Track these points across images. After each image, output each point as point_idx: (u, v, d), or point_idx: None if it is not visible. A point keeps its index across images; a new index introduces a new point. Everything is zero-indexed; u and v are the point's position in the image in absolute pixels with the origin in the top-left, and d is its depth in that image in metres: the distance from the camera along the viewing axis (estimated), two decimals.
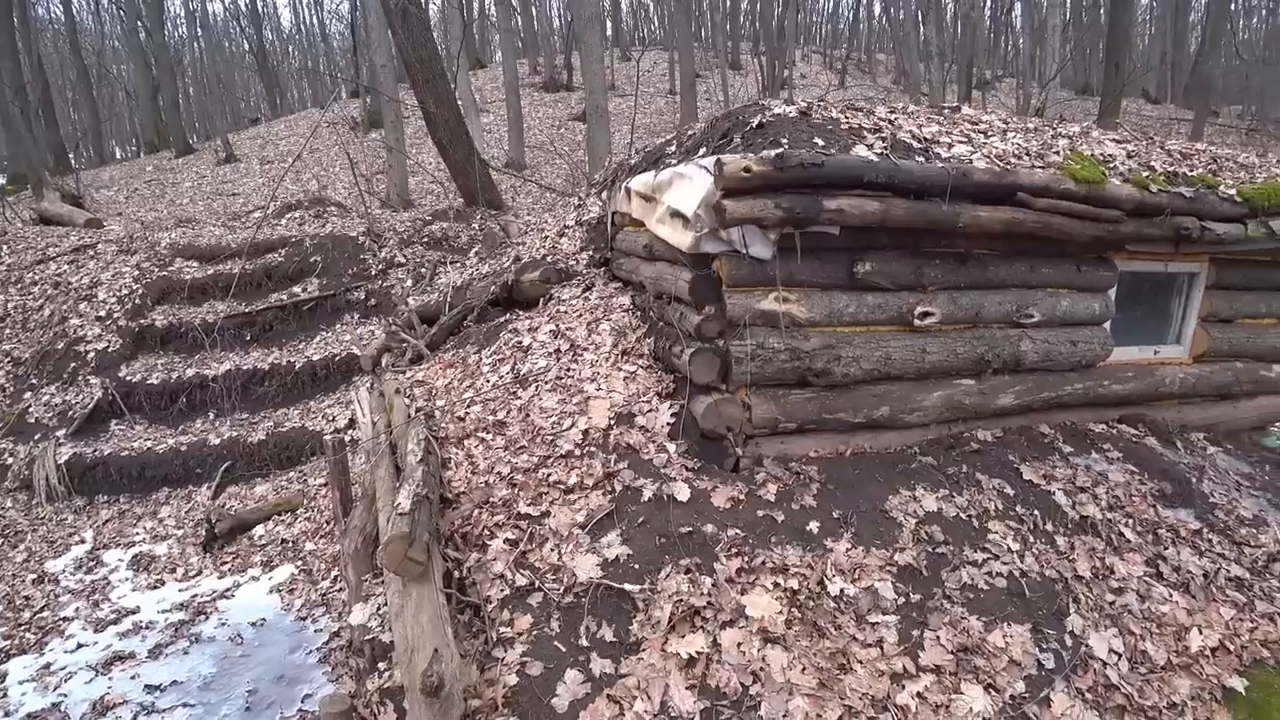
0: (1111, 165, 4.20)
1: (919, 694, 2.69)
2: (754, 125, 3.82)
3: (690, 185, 3.66)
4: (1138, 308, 4.90)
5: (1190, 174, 4.42)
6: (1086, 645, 2.99)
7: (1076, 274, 4.31)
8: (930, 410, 3.99)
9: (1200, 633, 3.15)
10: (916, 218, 3.44)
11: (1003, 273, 4.03)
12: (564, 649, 2.98)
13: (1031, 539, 3.38)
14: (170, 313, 8.78)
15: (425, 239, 9.71)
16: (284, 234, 9.85)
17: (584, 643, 2.99)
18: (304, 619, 4.70)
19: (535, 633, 3.06)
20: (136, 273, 9.24)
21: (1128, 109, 21.26)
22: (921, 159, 3.55)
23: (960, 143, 3.93)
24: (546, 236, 7.07)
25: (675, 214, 3.83)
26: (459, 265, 8.95)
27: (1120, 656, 3.00)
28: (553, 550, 3.39)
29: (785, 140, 3.53)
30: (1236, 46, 24.88)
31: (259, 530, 6.15)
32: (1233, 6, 25.50)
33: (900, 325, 3.85)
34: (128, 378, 7.97)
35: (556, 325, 5.30)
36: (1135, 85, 24.47)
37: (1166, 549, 3.52)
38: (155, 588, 5.34)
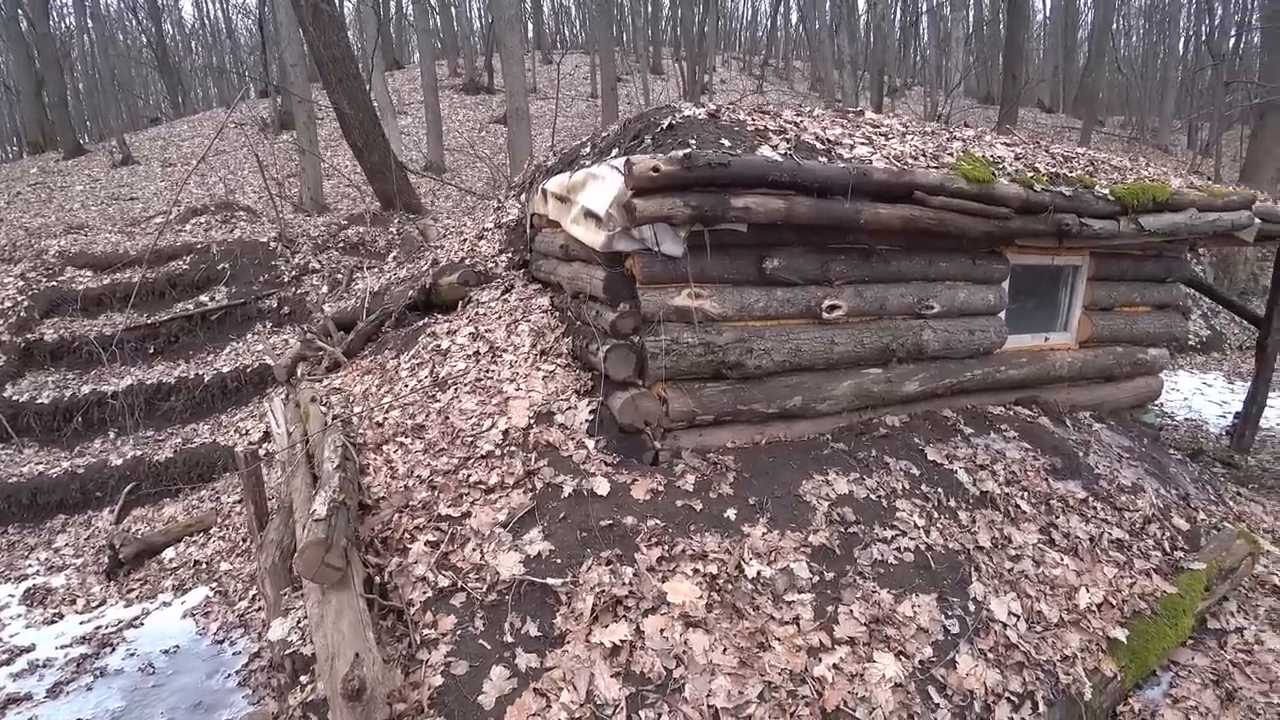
0: (1000, 166, 4.48)
1: (835, 665, 2.82)
2: (665, 127, 3.92)
3: (602, 185, 3.72)
4: (1029, 299, 5.25)
5: (1070, 175, 4.76)
6: (988, 610, 3.19)
7: (972, 267, 4.58)
8: (841, 399, 4.17)
9: (1088, 591, 3.40)
10: (820, 215, 3.59)
11: (904, 267, 4.25)
12: (489, 646, 2.99)
13: (936, 515, 3.58)
14: (62, 325, 8.28)
15: (341, 244, 9.47)
16: (189, 240, 9.43)
17: (509, 639, 3.00)
18: (221, 642, 4.53)
19: (459, 632, 3.05)
20: (21, 283, 8.68)
21: (1024, 117, 22.57)
22: (824, 159, 3.72)
23: (862, 144, 4.13)
24: (465, 239, 7.01)
25: (589, 214, 3.88)
26: (376, 270, 8.76)
27: (1019, 618, 3.22)
28: (475, 550, 3.38)
29: (693, 141, 3.63)
30: (1119, 63, 26.73)
31: (169, 553, 5.87)
32: (1114, 26, 27.34)
33: (809, 318, 4.01)
34: (14, 397, 7.48)
35: (475, 328, 5.27)
36: (1031, 95, 26.10)
37: (1058, 518, 3.79)
38: (52, 622, 5.02)
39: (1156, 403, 6.59)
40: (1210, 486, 4.98)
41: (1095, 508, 3.93)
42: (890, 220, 3.79)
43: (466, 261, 6.38)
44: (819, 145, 3.87)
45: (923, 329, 4.36)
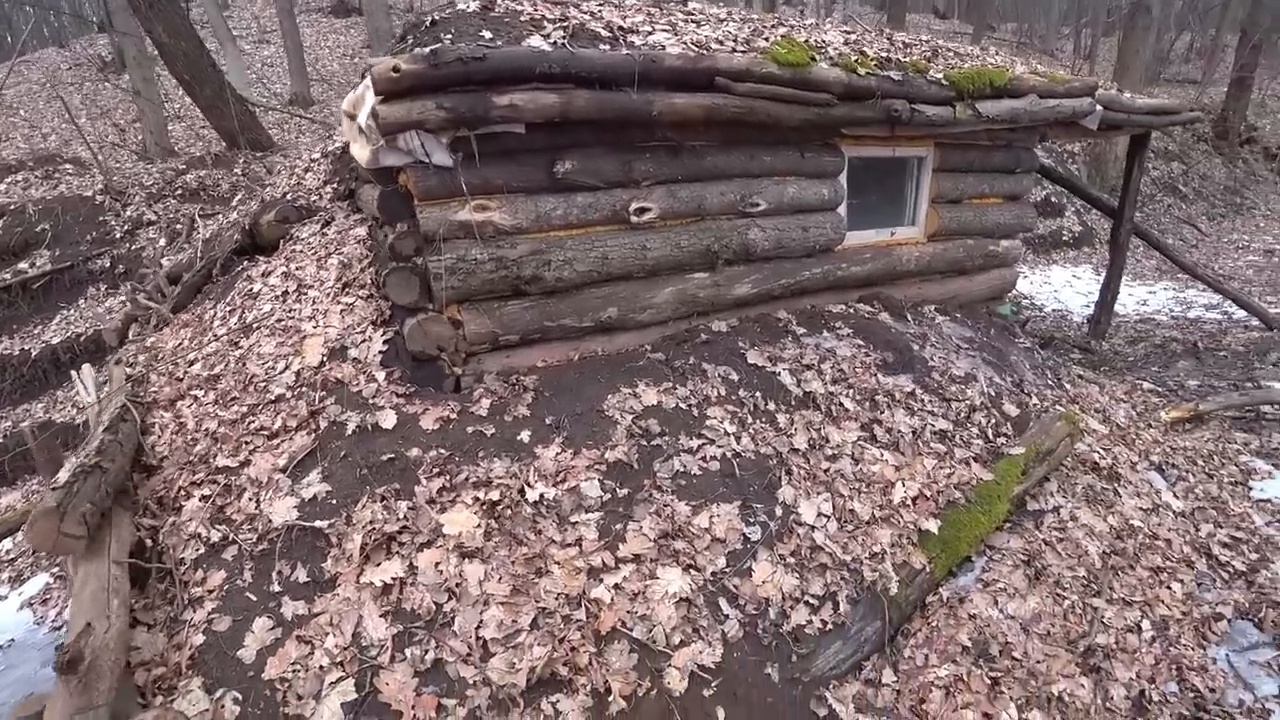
0: (823, 51, 4.20)
1: (616, 585, 2.64)
2: (427, 24, 3.47)
3: (367, 96, 3.30)
4: (872, 193, 5.07)
5: (903, 60, 4.52)
6: (796, 513, 3.07)
7: (801, 161, 4.35)
8: (663, 307, 3.93)
9: (904, 485, 3.31)
10: (605, 109, 3.27)
11: (721, 163, 3.98)
12: (255, 598, 2.74)
13: (751, 420, 3.41)
14: None
15: (179, 191, 8.66)
16: (1, 201, 8.48)
17: (276, 588, 2.75)
18: (59, 628, 4.17)
19: (227, 587, 2.80)
20: None
21: (918, 22, 22.48)
22: (606, 47, 3.36)
23: (663, 31, 3.78)
24: (294, 173, 6.43)
25: (361, 130, 3.47)
26: (219, 217, 8.06)
27: (829, 518, 3.10)
28: (251, 500, 3.08)
29: (450, 36, 3.22)
30: None
31: (6, 544, 5.35)
32: None
33: (618, 224, 3.72)
34: None
35: (289, 266, 4.82)
36: (927, 1, 26.12)
37: (882, 413, 3.68)
38: None
39: (1012, 293, 6.62)
40: (1051, 372, 5.00)
41: (923, 400, 3.84)
42: (690, 111, 3.49)
43: (287, 197, 5.84)
44: (604, 33, 3.50)
45: (749, 228, 4.13)
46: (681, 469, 3.09)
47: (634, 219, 3.69)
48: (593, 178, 3.57)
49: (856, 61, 4.14)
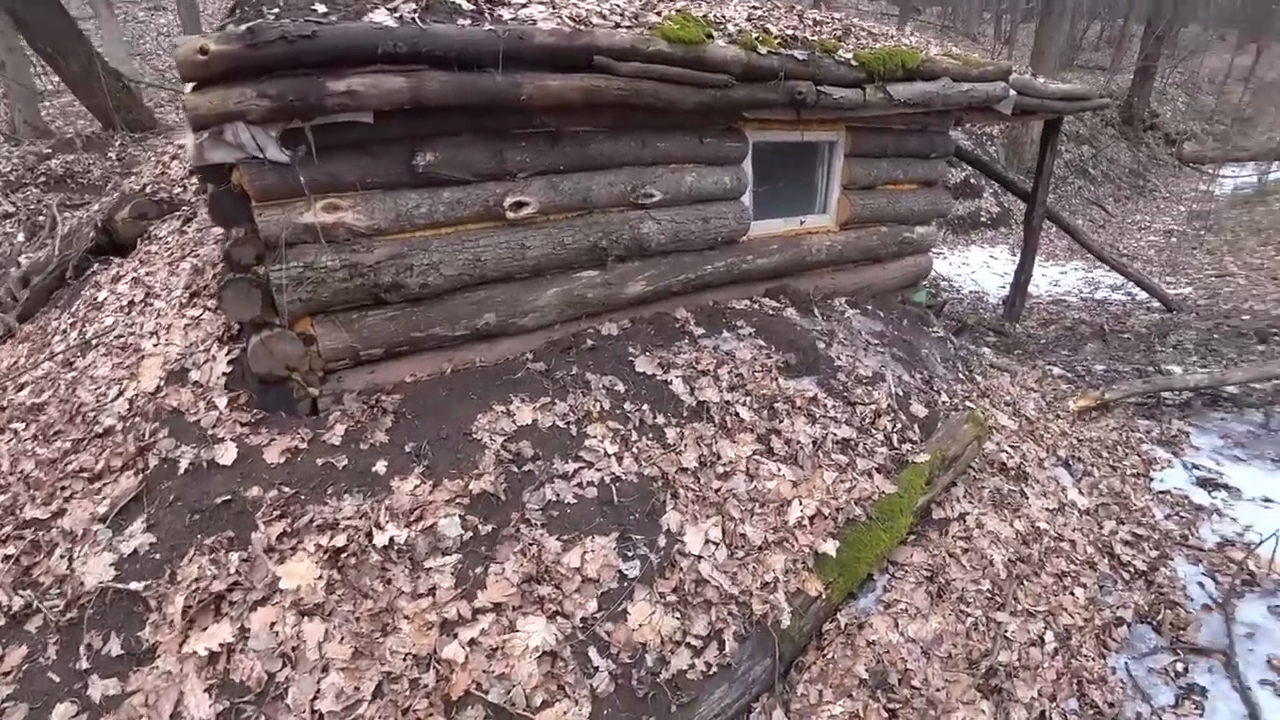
0: (722, 28, 3.90)
1: (472, 640, 2.34)
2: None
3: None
4: (781, 180, 4.83)
5: (810, 39, 4.26)
6: (681, 543, 2.81)
7: (700, 147, 4.05)
8: (548, 310, 3.61)
9: (801, 504, 3.09)
10: (465, 93, 2.90)
11: (609, 150, 3.66)
12: (59, 679, 2.34)
13: (635, 437, 3.14)
14: None
15: (43, 178, 7.85)
16: None
17: (84, 665, 2.36)
18: None
19: (27, 667, 2.38)
20: None
21: (846, 4, 22.43)
22: (467, 22, 2.98)
23: (539, 3, 3.41)
24: (160, 161, 5.83)
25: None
26: (86, 209, 7.32)
27: (718, 545, 2.86)
28: (62, 558, 2.65)
29: (276, 10, 2.79)
30: None
31: None
32: None
33: (492, 220, 3.36)
34: None
35: (139, 271, 4.31)
36: None
37: (782, 422, 3.45)
38: None
39: (930, 278, 6.52)
40: (963, 364, 4.88)
41: (826, 405, 3.63)
42: (566, 94, 3.15)
43: (148, 189, 5.26)
44: (467, 6, 3.11)
45: (642, 221, 3.82)
46: (554, 498, 2.79)
47: (510, 215, 3.34)
48: (460, 170, 3.20)
49: (758, 40, 3.86)
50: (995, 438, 4.03)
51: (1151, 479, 4.34)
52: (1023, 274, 7.97)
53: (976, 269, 10.65)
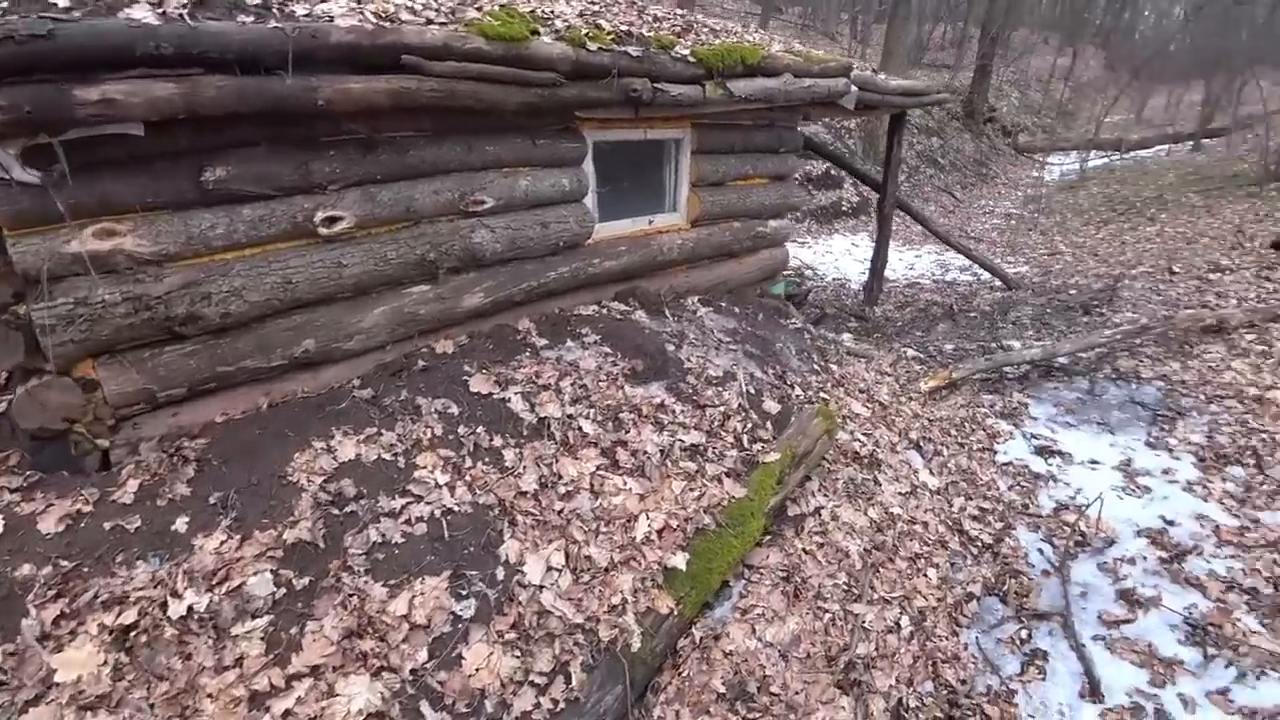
0: (550, 24, 3.74)
1: (286, 712, 2.09)
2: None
3: None
4: (627, 179, 4.74)
5: (646, 35, 4.17)
6: (520, 573, 2.64)
7: (533, 149, 3.89)
8: (376, 331, 3.35)
9: (648, 518, 2.99)
10: (248, 99, 2.59)
11: (432, 156, 3.43)
12: None
13: (469, 464, 2.94)
14: None
15: None
16: None
17: None
18: None
19: None
20: None
21: (711, 3, 22.87)
22: (249, 19, 2.67)
23: None
24: None
25: None
26: None
27: (561, 572, 2.71)
28: None
29: (4, 6, 2.39)
30: None
31: None
32: None
33: (304, 238, 3.07)
34: None
35: None
36: None
37: (628, 433, 3.34)
38: None
39: (788, 270, 6.64)
40: (819, 354, 4.96)
41: (674, 411, 3.56)
42: (371, 98, 2.89)
43: None
44: (250, 1, 2.81)
45: (474, 230, 3.62)
46: (380, 539, 2.56)
47: (323, 231, 3.06)
48: (259, 185, 2.89)
49: (589, 36, 3.73)
50: (849, 426, 4.10)
51: (996, 452, 4.55)
52: (878, 260, 8.30)
53: (839, 256, 11.04)
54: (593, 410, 3.34)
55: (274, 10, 2.83)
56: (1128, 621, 3.30)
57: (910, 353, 6.25)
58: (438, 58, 3.06)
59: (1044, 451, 4.57)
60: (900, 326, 7.60)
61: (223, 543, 2.44)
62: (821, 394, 4.31)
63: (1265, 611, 3.24)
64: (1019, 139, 21.39)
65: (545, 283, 4.02)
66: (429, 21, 3.19)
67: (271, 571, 2.38)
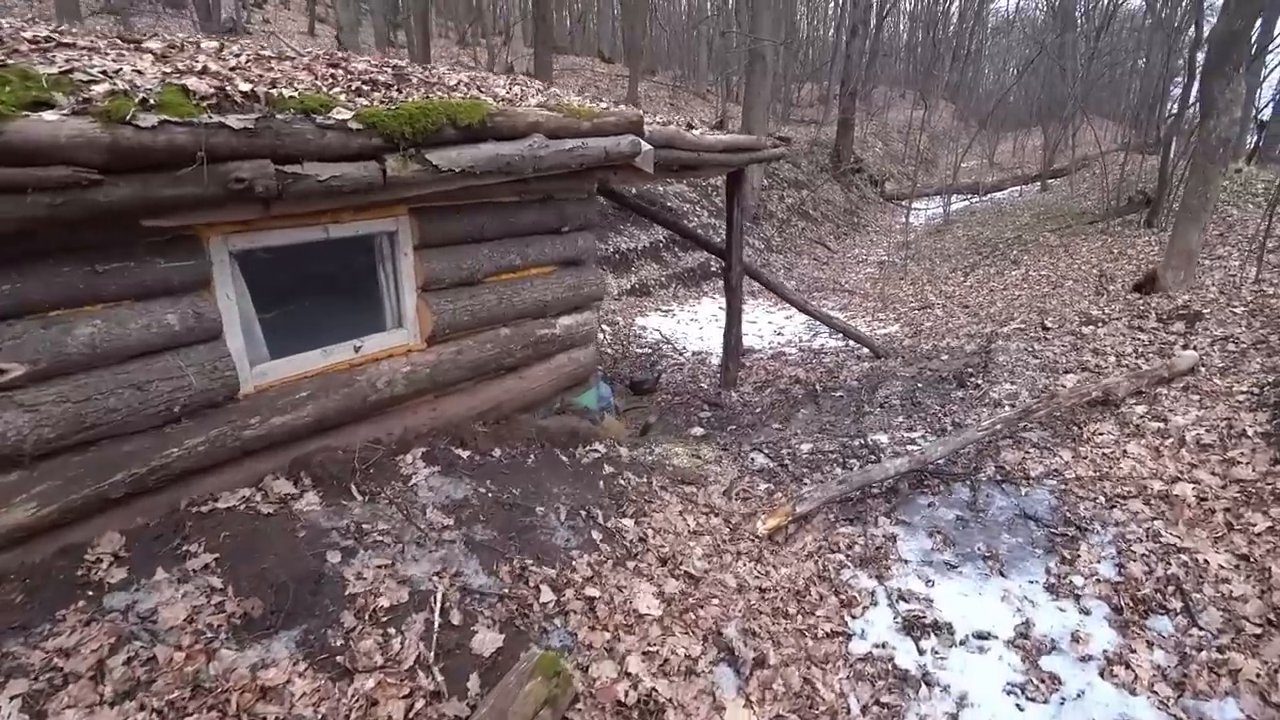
0: (79, 90, 2.36)
1: None
2: None
3: None
4: (317, 295, 3.39)
5: (285, 95, 2.86)
6: None
7: (97, 278, 2.50)
8: None
9: None
10: None
11: None
12: None
13: None
14: None
15: None
16: None
17: None
18: None
19: None
20: None
21: (582, 65, 22.34)
22: None
23: None
24: None
25: None
26: None
27: None
28: None
29: None
30: (660, 20, 28.45)
31: None
32: None
33: None
34: None
35: None
36: (593, 47, 26.66)
37: None
38: None
39: (600, 370, 5.38)
40: (612, 503, 3.65)
41: (290, 696, 2.12)
42: None
43: None
44: None
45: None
46: None
47: None
48: None
49: (157, 104, 2.40)
50: (623, 645, 2.75)
51: (850, 636, 3.29)
52: (731, 336, 7.23)
53: (705, 324, 9.97)
54: (145, 714, 1.87)
55: None
56: None
57: (759, 460, 5.08)
58: None
59: (915, 626, 3.34)
60: (758, 414, 6.47)
61: None
62: (582, 595, 2.95)
63: None
64: (886, 187, 21.64)
65: (163, 465, 2.61)
66: None
67: None
